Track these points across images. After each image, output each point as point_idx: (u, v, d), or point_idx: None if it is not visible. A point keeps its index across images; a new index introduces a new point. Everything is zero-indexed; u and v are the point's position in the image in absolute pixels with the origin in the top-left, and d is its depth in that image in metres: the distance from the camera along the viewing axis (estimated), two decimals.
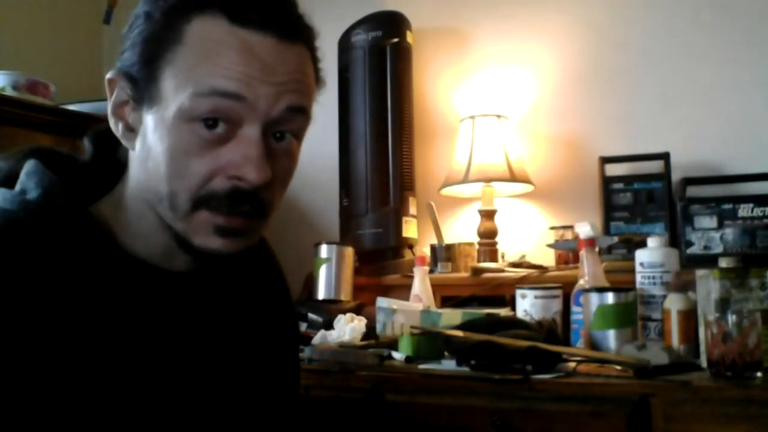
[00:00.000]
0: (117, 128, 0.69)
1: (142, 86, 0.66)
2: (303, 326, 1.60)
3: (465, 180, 1.80)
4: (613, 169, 1.74)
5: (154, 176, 0.66)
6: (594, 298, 1.26)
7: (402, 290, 1.69)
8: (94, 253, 0.66)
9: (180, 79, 0.64)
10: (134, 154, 0.69)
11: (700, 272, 1.16)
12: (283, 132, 0.68)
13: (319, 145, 2.14)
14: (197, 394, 0.70)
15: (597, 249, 1.42)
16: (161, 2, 0.66)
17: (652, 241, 1.33)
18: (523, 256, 1.82)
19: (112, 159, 0.74)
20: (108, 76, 0.68)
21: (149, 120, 0.66)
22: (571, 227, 1.71)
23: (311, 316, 1.60)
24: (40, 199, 0.66)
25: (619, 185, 1.70)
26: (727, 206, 1.51)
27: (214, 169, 0.64)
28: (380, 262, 1.85)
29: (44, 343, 0.60)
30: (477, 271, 1.69)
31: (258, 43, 0.65)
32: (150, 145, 0.66)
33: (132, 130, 0.68)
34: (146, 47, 0.66)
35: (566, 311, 1.39)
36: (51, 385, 0.60)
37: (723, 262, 1.21)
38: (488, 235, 1.81)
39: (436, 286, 1.65)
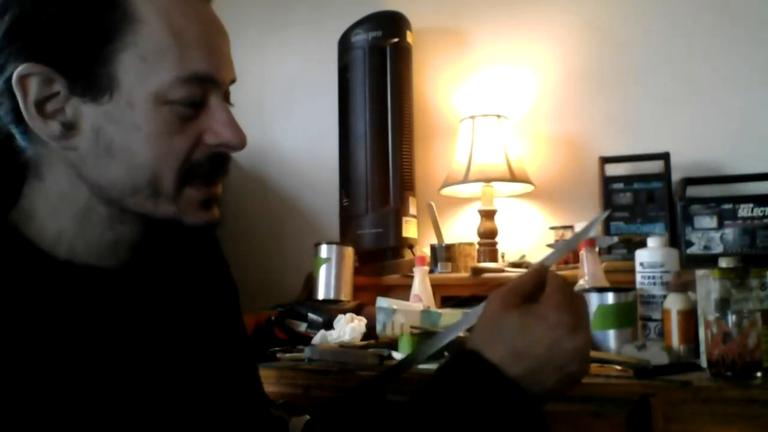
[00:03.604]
0: (48, 129, 0.61)
1: (88, 76, 0.60)
2: (303, 326, 1.59)
3: (465, 180, 1.80)
4: (613, 169, 1.74)
5: (127, 168, 0.62)
6: (594, 298, 1.25)
7: (402, 290, 1.69)
8: (23, 261, 0.62)
9: (150, 62, 0.60)
10: (73, 155, 0.62)
11: (700, 272, 1.16)
12: (227, 98, 0.69)
13: (319, 145, 2.15)
14: (149, 394, 0.65)
15: (597, 249, 1.42)
16: None
17: (652, 241, 1.33)
18: (523, 256, 1.83)
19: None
20: (19, 72, 0.59)
21: (104, 111, 0.61)
22: (571, 227, 1.71)
23: (311, 316, 1.60)
24: None
25: (619, 185, 1.70)
26: (727, 206, 1.51)
27: (194, 141, 0.64)
28: (380, 262, 1.85)
29: None
30: (477, 271, 1.69)
31: (200, 7, 0.65)
32: (114, 136, 0.61)
33: (72, 128, 0.61)
34: (90, 31, 0.59)
35: None
36: None
37: (723, 262, 1.21)
38: (488, 235, 1.81)
39: (436, 286, 1.65)
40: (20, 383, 0.57)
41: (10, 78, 0.60)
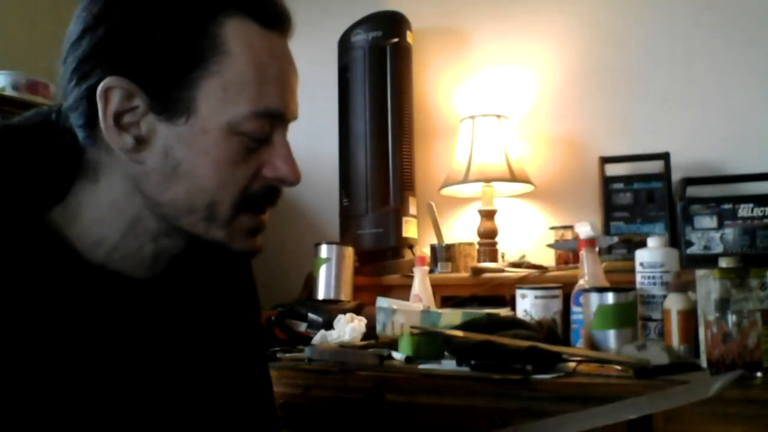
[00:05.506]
0: (121, 140, 0.63)
1: (169, 97, 0.62)
2: (303, 326, 1.60)
3: (465, 180, 1.80)
4: (613, 169, 1.74)
5: (188, 189, 0.64)
6: (594, 298, 1.26)
7: (402, 290, 1.69)
8: (56, 262, 0.63)
9: (230, 92, 0.63)
10: (137, 168, 0.64)
11: (700, 272, 1.16)
12: None
13: (319, 145, 2.15)
14: (165, 400, 0.67)
15: (597, 249, 1.42)
16: (176, 4, 0.62)
17: (652, 241, 1.33)
18: (523, 256, 1.83)
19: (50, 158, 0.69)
20: (105, 83, 0.61)
21: (177, 132, 0.63)
22: (571, 227, 1.71)
23: (311, 316, 1.60)
24: None
25: (619, 185, 1.70)
26: (727, 206, 1.51)
27: (254, 172, 0.66)
28: (380, 262, 1.85)
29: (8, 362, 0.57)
30: (477, 271, 1.68)
31: (280, 46, 0.67)
32: (182, 157, 0.63)
33: (143, 142, 0.63)
34: (180, 56, 0.61)
35: (566, 311, 1.39)
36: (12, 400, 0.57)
37: (723, 262, 1.21)
38: (488, 235, 1.81)
39: (436, 286, 1.65)
40: (26, 381, 0.58)
41: (91, 86, 0.62)
